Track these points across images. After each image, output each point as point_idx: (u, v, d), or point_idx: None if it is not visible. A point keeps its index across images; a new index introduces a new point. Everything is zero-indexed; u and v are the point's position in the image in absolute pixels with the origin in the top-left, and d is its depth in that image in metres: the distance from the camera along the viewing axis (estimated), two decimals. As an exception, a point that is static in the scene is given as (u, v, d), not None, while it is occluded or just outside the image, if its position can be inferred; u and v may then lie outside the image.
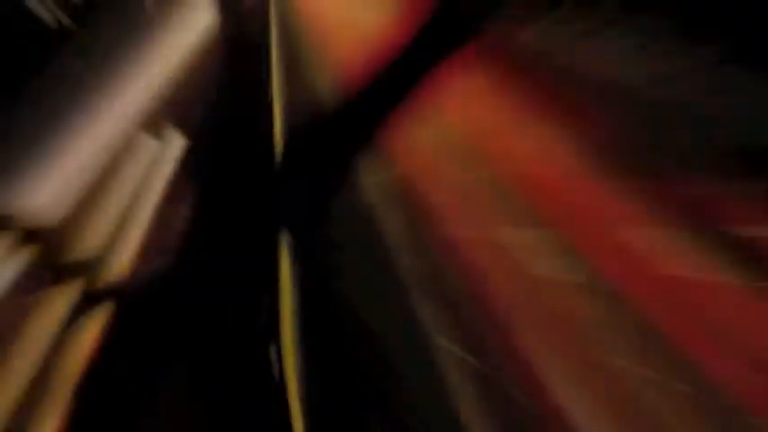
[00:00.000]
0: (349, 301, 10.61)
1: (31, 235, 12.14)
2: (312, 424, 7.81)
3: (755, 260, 7.58)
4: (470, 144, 17.43)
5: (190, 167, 16.42)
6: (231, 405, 7.67)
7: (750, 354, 7.80)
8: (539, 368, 8.60)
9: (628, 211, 10.68)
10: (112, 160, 17.50)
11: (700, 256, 9.19)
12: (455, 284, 10.74)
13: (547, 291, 10.37)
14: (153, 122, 21.50)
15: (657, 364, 8.28)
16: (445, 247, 11.93)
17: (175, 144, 18.03)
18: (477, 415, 7.92)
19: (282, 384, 8.34)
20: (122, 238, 12.51)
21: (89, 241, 12.42)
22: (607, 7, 14.50)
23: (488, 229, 12.41)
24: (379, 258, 11.81)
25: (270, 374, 8.41)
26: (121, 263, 11.28)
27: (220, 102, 23.78)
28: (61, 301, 10.17)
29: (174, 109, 23.16)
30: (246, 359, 8.48)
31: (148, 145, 18.31)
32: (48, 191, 14.67)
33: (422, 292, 10.63)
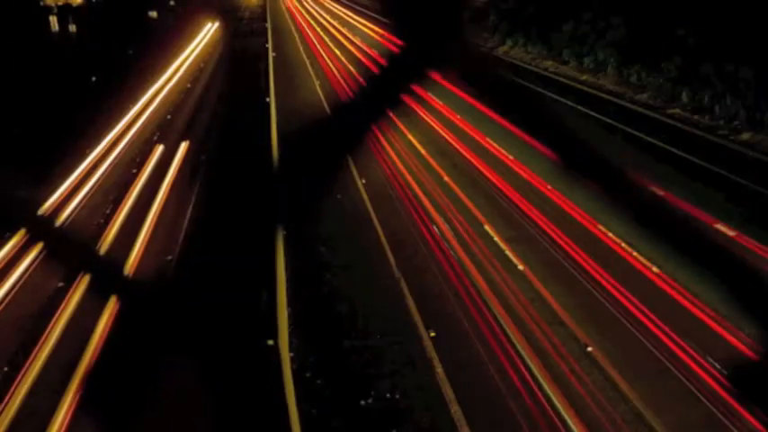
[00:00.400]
0: (343, 297, 11.05)
1: (43, 232, 12.56)
2: (309, 418, 8.22)
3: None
4: (455, 148, 17.99)
5: (193, 170, 16.99)
6: (231, 402, 8.03)
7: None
8: (522, 361, 8.98)
9: (598, 209, 11.07)
10: (123, 163, 18.14)
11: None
12: (442, 278, 11.19)
13: (529, 283, 10.81)
14: (160, 127, 22.09)
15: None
16: (433, 243, 12.41)
17: (180, 148, 18.64)
18: (464, 407, 8.30)
19: (280, 381, 8.72)
20: (131, 237, 13.02)
21: (100, 240, 12.94)
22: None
23: (473, 225, 12.90)
24: (371, 255, 12.27)
25: (268, 372, 8.78)
26: (129, 261, 11.75)
27: (222, 108, 24.35)
28: (69, 297, 10.61)
29: (178, 115, 23.74)
30: (245, 357, 8.87)
31: (155, 149, 18.93)
32: (63, 190, 15.28)
33: (412, 286, 11.07)
